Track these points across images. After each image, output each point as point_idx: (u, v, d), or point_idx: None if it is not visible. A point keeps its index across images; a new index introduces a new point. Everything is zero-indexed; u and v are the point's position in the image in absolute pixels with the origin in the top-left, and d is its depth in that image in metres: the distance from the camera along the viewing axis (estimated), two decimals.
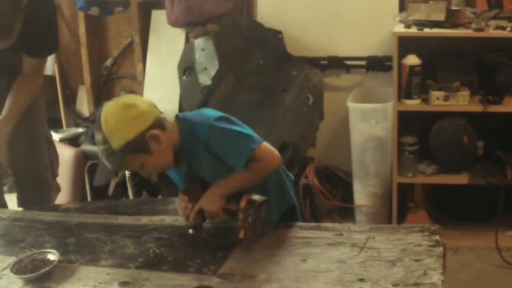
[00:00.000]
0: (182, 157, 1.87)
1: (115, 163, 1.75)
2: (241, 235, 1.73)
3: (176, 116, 1.89)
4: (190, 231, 1.84)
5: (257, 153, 1.79)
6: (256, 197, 1.76)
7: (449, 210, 3.48)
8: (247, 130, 1.86)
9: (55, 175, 2.66)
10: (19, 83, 2.32)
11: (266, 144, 1.84)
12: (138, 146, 1.73)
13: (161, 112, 1.83)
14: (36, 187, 2.52)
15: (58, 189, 2.71)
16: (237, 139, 1.81)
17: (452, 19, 3.10)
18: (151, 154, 1.76)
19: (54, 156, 2.67)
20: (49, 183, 2.61)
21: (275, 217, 1.92)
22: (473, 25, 3.03)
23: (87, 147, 3.60)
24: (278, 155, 1.86)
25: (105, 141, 1.72)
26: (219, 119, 1.83)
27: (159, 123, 1.78)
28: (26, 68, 2.32)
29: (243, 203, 1.74)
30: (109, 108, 1.76)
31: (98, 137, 1.74)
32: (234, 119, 1.88)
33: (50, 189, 2.62)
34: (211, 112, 1.89)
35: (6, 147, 2.28)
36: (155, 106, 1.82)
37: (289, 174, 2.04)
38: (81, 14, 3.91)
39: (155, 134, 1.75)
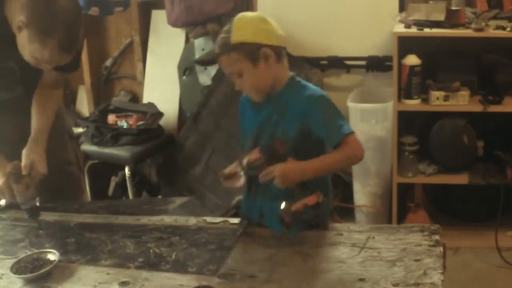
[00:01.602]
0: (271, 101, 1.85)
1: (226, 50, 1.78)
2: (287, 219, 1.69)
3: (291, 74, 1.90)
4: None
5: (351, 137, 1.78)
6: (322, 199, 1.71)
7: (449, 210, 3.48)
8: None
9: (81, 169, 2.64)
10: (40, 98, 2.24)
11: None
12: (249, 51, 1.77)
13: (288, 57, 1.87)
14: (61, 184, 2.45)
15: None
16: (339, 117, 1.82)
17: (452, 19, 3.10)
18: (255, 68, 1.78)
19: (78, 149, 2.66)
20: (76, 178, 2.58)
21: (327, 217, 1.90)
22: (473, 25, 3.03)
23: (87, 147, 3.59)
24: (363, 148, 1.83)
25: (229, 31, 1.78)
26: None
27: (279, 52, 1.82)
28: (47, 80, 2.24)
29: (314, 199, 1.70)
30: (248, 13, 1.85)
31: (226, 27, 1.80)
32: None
33: (78, 184, 2.59)
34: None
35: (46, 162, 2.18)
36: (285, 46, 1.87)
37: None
38: None
39: (269, 53, 1.78)
